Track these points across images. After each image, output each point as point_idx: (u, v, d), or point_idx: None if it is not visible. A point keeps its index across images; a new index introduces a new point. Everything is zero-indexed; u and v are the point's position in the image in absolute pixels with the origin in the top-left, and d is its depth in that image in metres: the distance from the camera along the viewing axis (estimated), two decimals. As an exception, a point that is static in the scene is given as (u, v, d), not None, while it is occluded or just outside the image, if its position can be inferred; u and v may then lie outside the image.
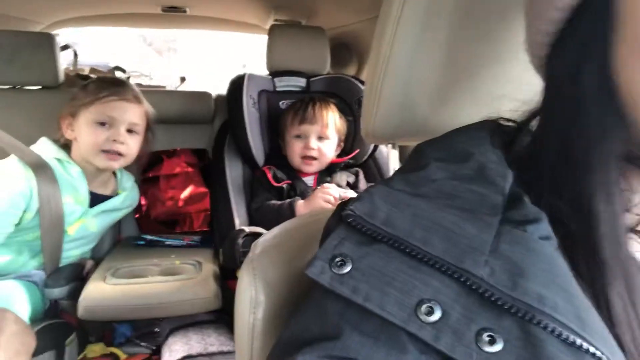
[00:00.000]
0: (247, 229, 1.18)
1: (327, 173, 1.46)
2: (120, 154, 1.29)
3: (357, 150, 1.50)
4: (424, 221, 0.31)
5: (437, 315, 0.27)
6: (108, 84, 1.32)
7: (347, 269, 0.30)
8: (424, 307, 0.27)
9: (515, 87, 0.50)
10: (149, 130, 1.40)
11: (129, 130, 1.30)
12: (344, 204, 0.34)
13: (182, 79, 2.70)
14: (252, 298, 0.46)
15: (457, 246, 0.29)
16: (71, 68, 2.32)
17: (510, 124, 0.40)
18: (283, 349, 0.32)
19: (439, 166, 0.35)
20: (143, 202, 1.58)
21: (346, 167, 1.51)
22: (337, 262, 0.30)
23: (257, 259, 0.48)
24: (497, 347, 0.26)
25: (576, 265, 0.31)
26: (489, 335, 0.26)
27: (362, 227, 0.32)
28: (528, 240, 0.29)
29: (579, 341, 0.25)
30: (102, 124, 1.26)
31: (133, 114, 1.31)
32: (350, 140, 1.54)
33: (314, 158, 1.42)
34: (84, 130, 1.26)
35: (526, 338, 0.26)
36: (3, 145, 1.26)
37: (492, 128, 0.38)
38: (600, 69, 0.30)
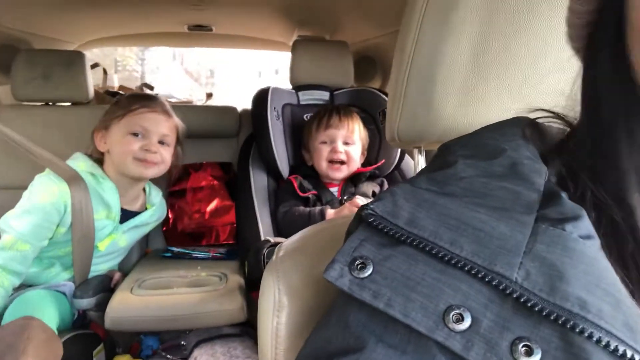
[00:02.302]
0: (273, 239, 1.18)
1: (351, 183, 1.45)
2: (153, 163, 1.30)
3: (383, 161, 1.50)
4: (452, 221, 0.29)
5: (466, 323, 0.25)
6: (139, 98, 1.36)
7: (368, 272, 0.28)
8: (452, 314, 0.25)
9: (549, 81, 0.49)
10: (178, 144, 1.41)
11: (161, 142, 1.32)
12: (365, 205, 0.32)
13: (209, 95, 2.75)
14: (275, 301, 0.45)
15: (488, 247, 0.27)
16: (101, 85, 2.39)
17: (545, 117, 0.38)
18: None
19: (467, 163, 0.32)
20: (170, 215, 1.60)
21: (371, 178, 1.50)
22: (357, 265, 0.28)
23: (280, 262, 0.47)
24: (535, 358, 0.24)
25: (626, 267, 0.29)
26: (525, 345, 0.24)
27: (383, 227, 0.30)
28: (567, 239, 0.27)
29: (629, 353, 0.23)
30: (135, 134, 1.28)
31: (164, 125, 1.33)
32: (375, 151, 1.53)
33: (342, 162, 1.42)
34: (117, 141, 1.28)
35: (567, 348, 0.24)
36: (39, 160, 1.30)
37: (526, 123, 0.36)
38: (615, 54, 0.29)
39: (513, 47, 0.51)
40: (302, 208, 1.36)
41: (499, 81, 0.53)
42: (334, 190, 1.45)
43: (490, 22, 0.50)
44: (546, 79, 0.50)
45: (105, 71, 2.39)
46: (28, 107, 1.64)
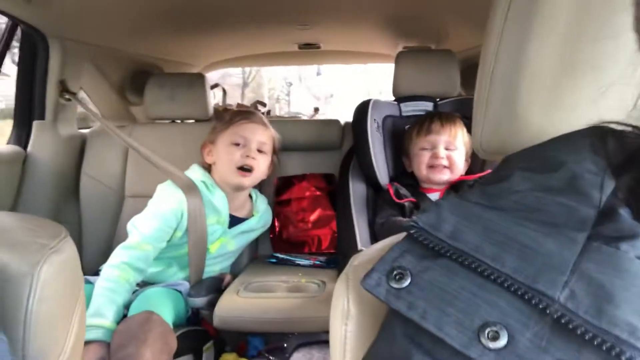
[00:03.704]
0: (368, 250, 1.18)
1: (453, 191, 1.40)
2: (251, 170, 1.41)
3: (489, 171, 1.42)
4: (496, 235, 0.28)
5: (502, 342, 0.24)
6: (240, 113, 1.52)
7: (405, 283, 0.28)
8: (488, 331, 0.25)
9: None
10: (275, 154, 1.53)
11: (259, 151, 1.44)
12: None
13: (316, 110, 2.86)
14: (343, 309, 0.45)
15: (532, 264, 0.26)
16: (220, 104, 2.60)
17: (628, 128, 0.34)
18: None
19: (523, 176, 0.31)
20: (276, 223, 1.69)
21: (476, 188, 1.43)
22: (395, 275, 0.29)
23: (353, 271, 0.48)
24: None
25: None
26: None
27: (424, 239, 0.30)
28: (621, 259, 0.25)
29: None
30: (237, 144, 1.42)
31: (262, 134, 1.46)
32: (481, 160, 1.47)
33: (444, 167, 1.38)
34: (221, 152, 1.43)
35: None
36: (162, 171, 1.46)
37: (601, 133, 0.33)
38: None
39: (608, 51, 0.47)
40: (398, 219, 1.34)
41: (592, 88, 0.49)
42: (434, 196, 1.41)
43: (580, 25, 0.47)
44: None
45: (224, 91, 2.61)
46: (157, 124, 1.85)
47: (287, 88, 9.72)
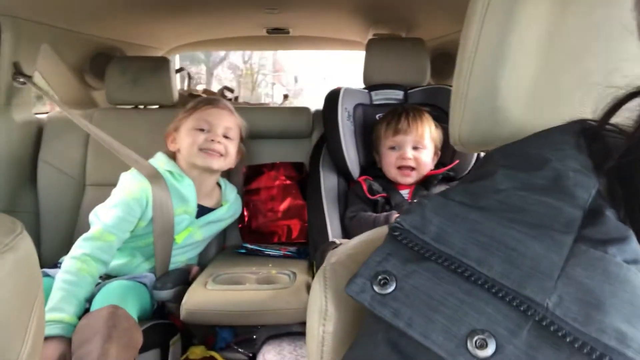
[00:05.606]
0: (339, 241, 1.18)
1: (423, 186, 1.41)
2: (218, 154, 1.39)
3: (457, 161, 1.43)
4: (482, 238, 0.27)
5: (490, 350, 0.23)
6: (204, 99, 1.49)
7: (390, 288, 0.27)
8: (475, 339, 0.24)
9: (632, 80, 0.44)
10: (241, 141, 1.51)
11: (225, 136, 1.42)
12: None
13: (285, 96, 2.82)
14: (321, 309, 0.44)
15: (519, 268, 0.25)
16: (185, 89, 2.53)
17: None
18: None
19: (506, 174, 0.30)
20: (245, 212, 1.66)
21: (445, 180, 1.44)
22: (380, 280, 0.28)
23: (330, 269, 0.46)
24: None
25: None
26: None
27: (409, 242, 0.29)
28: (608, 263, 0.24)
29: None
30: (201, 129, 1.39)
31: (227, 119, 1.44)
32: (450, 151, 1.47)
33: (412, 168, 1.38)
34: (185, 137, 1.39)
35: None
36: (125, 159, 1.40)
37: (583, 130, 0.32)
38: None
39: (590, 42, 0.46)
40: (367, 214, 1.34)
41: (574, 80, 0.49)
42: (405, 192, 1.41)
43: (561, 17, 0.46)
44: (632, 78, 0.45)
45: (190, 75, 2.53)
46: (119, 110, 1.77)
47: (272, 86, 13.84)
